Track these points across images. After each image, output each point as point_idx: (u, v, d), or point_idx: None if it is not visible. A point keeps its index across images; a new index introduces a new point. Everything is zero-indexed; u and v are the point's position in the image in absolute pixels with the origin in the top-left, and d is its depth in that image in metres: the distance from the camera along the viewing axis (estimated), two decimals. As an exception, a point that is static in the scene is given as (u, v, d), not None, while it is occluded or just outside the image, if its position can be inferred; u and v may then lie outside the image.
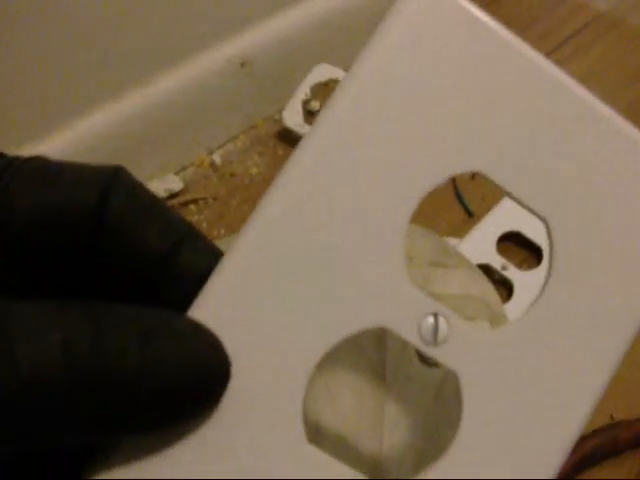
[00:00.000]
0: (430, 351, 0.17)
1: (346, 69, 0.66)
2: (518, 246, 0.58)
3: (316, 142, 0.17)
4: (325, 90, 0.65)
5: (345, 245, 0.16)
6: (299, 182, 0.16)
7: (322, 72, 0.65)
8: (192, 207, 0.60)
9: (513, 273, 0.55)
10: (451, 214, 0.61)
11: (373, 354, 0.27)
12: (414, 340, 0.16)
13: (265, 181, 0.63)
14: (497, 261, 0.55)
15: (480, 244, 0.57)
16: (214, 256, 0.17)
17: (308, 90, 0.64)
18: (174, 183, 0.60)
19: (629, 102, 0.74)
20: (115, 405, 0.13)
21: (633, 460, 0.48)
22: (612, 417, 0.50)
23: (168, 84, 0.57)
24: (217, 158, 0.64)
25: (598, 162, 0.17)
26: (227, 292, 0.16)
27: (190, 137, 0.61)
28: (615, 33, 0.83)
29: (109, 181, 0.17)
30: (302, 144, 0.17)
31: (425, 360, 0.28)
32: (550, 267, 0.17)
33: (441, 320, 0.17)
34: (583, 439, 0.47)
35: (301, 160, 0.17)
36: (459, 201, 0.61)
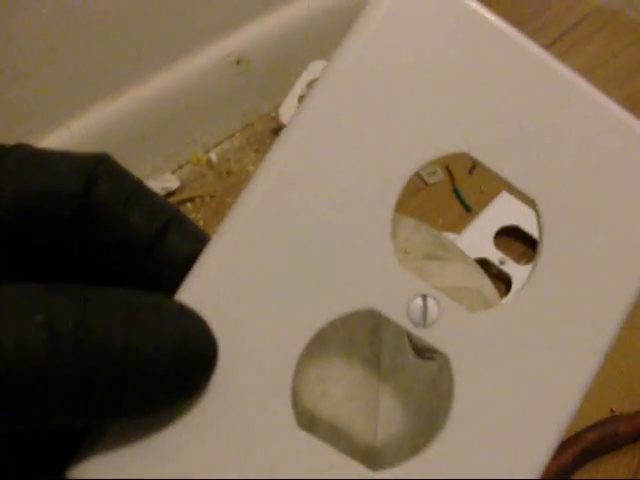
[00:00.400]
0: (419, 332, 0.17)
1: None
2: (516, 240, 0.58)
3: (302, 126, 0.16)
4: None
5: (332, 228, 0.16)
6: (285, 165, 0.16)
7: (318, 69, 0.65)
8: (189, 205, 0.60)
9: (511, 267, 0.55)
10: (449, 209, 0.61)
11: (367, 348, 0.26)
12: (403, 322, 0.16)
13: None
14: (495, 255, 0.55)
15: (478, 239, 0.57)
16: (201, 240, 0.17)
17: (304, 87, 0.64)
18: (170, 182, 0.60)
19: (626, 95, 0.74)
20: (100, 387, 0.13)
21: (633, 453, 0.48)
22: (612, 410, 0.50)
23: (164, 82, 0.57)
24: (213, 156, 0.63)
25: (586, 143, 0.17)
26: (214, 275, 0.16)
27: (186, 135, 0.61)
28: (612, 27, 0.83)
29: (95, 168, 0.17)
30: (287, 129, 0.17)
31: (420, 353, 0.28)
32: (540, 249, 0.17)
33: (430, 302, 0.17)
34: (583, 432, 0.47)
35: (287, 144, 0.17)
36: (457, 196, 0.61)
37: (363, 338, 0.26)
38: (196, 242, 0.17)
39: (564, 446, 0.46)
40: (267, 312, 0.16)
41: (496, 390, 0.17)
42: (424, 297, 0.17)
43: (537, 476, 0.17)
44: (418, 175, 0.61)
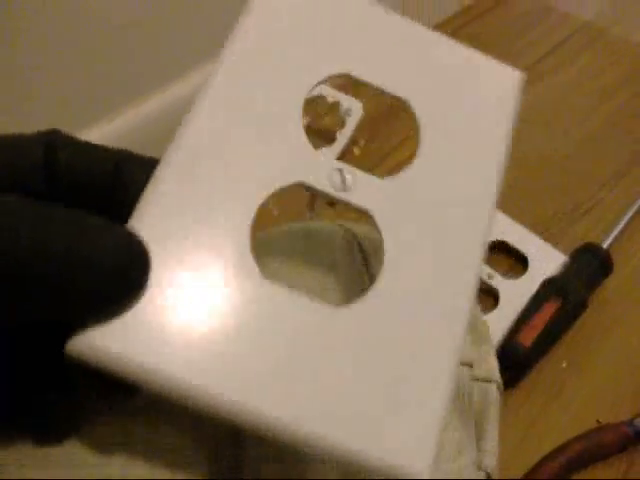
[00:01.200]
0: (342, 196, 0.20)
1: (333, 86, 0.67)
2: (503, 255, 0.59)
3: (231, 62, 0.21)
4: (313, 106, 0.66)
5: (256, 130, 0.20)
6: (218, 90, 0.21)
7: (309, 88, 0.66)
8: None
9: (499, 282, 0.56)
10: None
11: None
12: (327, 189, 0.20)
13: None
14: (483, 270, 0.56)
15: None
16: (155, 166, 0.19)
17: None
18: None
19: (613, 110, 0.75)
20: (6, 288, 0.15)
21: (619, 464, 0.49)
22: (598, 421, 0.50)
23: (162, 101, 0.58)
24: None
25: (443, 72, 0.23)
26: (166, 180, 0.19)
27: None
28: (599, 43, 0.84)
29: (49, 135, 0.19)
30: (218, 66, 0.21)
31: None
32: (421, 134, 0.22)
33: (346, 172, 0.21)
34: (569, 443, 0.48)
35: (220, 70, 0.21)
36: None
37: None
38: (152, 168, 0.19)
39: (551, 457, 0.47)
40: (214, 197, 0.19)
41: (417, 236, 0.20)
42: (340, 170, 0.21)
43: (467, 305, 0.20)
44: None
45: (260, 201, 0.19)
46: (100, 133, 0.55)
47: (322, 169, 0.21)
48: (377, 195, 0.21)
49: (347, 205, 0.21)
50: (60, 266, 0.15)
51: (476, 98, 0.23)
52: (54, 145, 0.19)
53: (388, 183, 0.21)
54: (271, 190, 0.20)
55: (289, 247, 0.30)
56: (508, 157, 0.23)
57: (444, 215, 0.21)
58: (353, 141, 0.66)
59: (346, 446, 0.17)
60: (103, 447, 0.19)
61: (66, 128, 0.19)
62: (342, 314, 0.19)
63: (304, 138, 0.21)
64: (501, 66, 0.25)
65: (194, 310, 0.18)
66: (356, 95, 0.65)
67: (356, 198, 0.21)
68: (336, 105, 0.66)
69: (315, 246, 0.30)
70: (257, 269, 0.18)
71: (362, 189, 0.21)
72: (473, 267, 0.20)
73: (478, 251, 0.21)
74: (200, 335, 0.17)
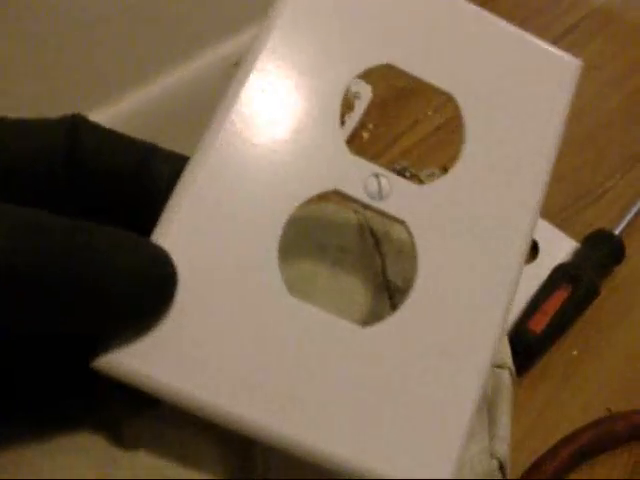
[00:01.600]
0: (378, 205, 0.19)
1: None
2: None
3: (257, 64, 0.20)
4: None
5: (289, 132, 0.19)
6: (242, 103, 0.20)
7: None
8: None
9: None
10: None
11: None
12: (362, 197, 0.19)
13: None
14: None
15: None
16: (183, 162, 0.18)
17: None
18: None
19: (627, 94, 0.74)
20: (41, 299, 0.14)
21: (630, 453, 0.48)
22: (609, 410, 0.50)
23: (163, 86, 0.58)
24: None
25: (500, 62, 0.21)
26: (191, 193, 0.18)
27: (184, 138, 0.62)
28: (612, 27, 0.83)
29: (73, 119, 0.18)
30: (241, 72, 0.20)
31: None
32: (466, 134, 0.21)
33: (382, 179, 0.20)
34: (579, 431, 0.47)
35: (242, 83, 0.20)
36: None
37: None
38: (179, 164, 0.18)
39: (560, 446, 0.47)
40: (242, 208, 0.18)
41: (453, 248, 0.19)
42: (377, 176, 0.20)
43: (500, 321, 0.19)
44: (415, 175, 0.62)
45: (290, 212, 0.18)
46: (104, 116, 0.55)
47: (358, 174, 0.19)
48: (414, 203, 0.19)
49: (383, 213, 0.20)
50: (97, 281, 0.15)
51: (528, 93, 0.21)
52: (77, 130, 0.18)
53: (426, 191, 0.20)
54: (302, 199, 0.19)
55: (300, 230, 0.30)
56: (556, 158, 0.21)
57: (483, 226, 0.20)
58: (362, 125, 0.65)
59: (368, 466, 0.17)
60: (116, 444, 0.19)
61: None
62: (369, 333, 0.18)
63: (340, 139, 0.20)
64: (558, 54, 0.22)
65: (220, 329, 0.17)
66: (365, 78, 0.65)
67: (392, 206, 0.19)
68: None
69: (326, 228, 0.30)
70: (284, 287, 0.18)
71: (399, 197, 0.19)
72: (510, 283, 0.19)
73: (516, 265, 0.19)
74: (226, 355, 0.17)
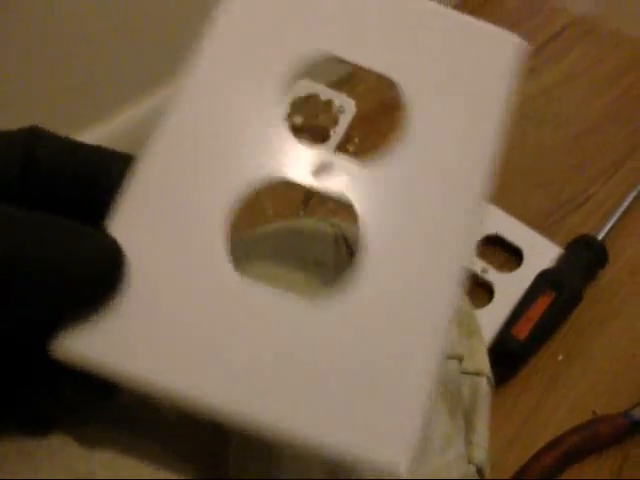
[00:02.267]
0: (322, 185, 0.20)
1: (327, 84, 0.67)
2: (498, 249, 0.59)
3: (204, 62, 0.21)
4: (306, 105, 0.66)
5: (233, 120, 0.20)
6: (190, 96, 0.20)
7: (303, 87, 0.67)
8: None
9: (493, 276, 0.56)
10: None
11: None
12: (307, 180, 0.20)
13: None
14: (478, 264, 0.56)
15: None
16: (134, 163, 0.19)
17: (289, 105, 0.65)
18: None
19: (606, 103, 0.75)
20: None
21: (616, 455, 0.49)
22: (594, 413, 0.50)
23: (155, 103, 0.59)
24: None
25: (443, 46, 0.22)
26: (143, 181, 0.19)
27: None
28: (591, 37, 0.84)
29: (30, 130, 0.19)
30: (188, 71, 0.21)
31: None
32: (408, 119, 0.21)
33: (327, 162, 0.20)
34: (565, 435, 0.48)
35: (191, 76, 0.21)
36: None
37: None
38: (132, 161, 0.19)
39: (547, 448, 0.47)
40: (190, 197, 0.19)
41: (399, 225, 0.20)
42: (321, 160, 0.20)
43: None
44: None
45: (236, 197, 0.19)
46: (94, 135, 0.56)
47: (304, 160, 0.20)
48: (359, 181, 0.20)
49: (325, 195, 0.20)
50: (46, 268, 0.16)
51: (470, 73, 0.22)
52: (33, 141, 0.19)
53: (369, 169, 0.20)
54: (249, 187, 0.19)
55: (278, 244, 0.30)
56: (505, 134, 0.21)
57: (430, 202, 0.20)
58: (347, 139, 0.66)
59: (327, 441, 0.17)
60: (87, 443, 0.20)
61: (62, 129, 0.20)
62: (321, 308, 0.19)
63: (284, 128, 0.20)
64: (499, 32, 0.22)
65: (171, 311, 0.18)
66: (349, 93, 0.66)
67: (337, 184, 0.20)
68: (329, 103, 0.66)
69: (303, 242, 0.30)
70: (232, 267, 0.18)
71: (343, 175, 0.20)
72: (460, 258, 0.20)
73: (466, 240, 0.20)
74: (179, 336, 0.18)
